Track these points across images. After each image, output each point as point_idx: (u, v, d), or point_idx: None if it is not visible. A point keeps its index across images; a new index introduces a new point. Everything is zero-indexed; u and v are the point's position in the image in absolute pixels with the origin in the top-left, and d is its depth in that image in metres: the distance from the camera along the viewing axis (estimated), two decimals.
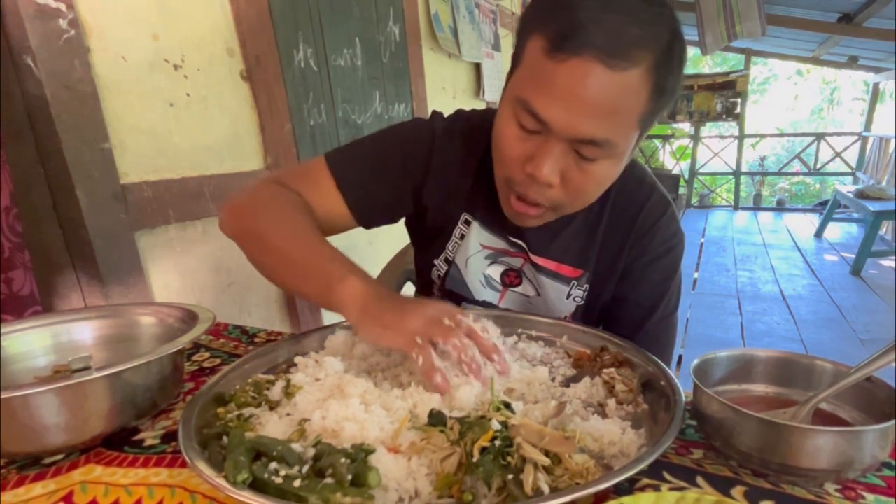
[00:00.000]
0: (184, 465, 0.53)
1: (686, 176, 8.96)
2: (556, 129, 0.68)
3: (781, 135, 12.84)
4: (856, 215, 6.88)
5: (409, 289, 1.34)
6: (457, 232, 0.94)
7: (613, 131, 0.68)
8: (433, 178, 0.90)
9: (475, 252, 0.93)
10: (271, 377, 0.64)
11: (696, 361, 0.56)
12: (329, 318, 1.74)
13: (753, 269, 5.61)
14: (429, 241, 0.97)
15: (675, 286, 0.92)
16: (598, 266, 0.91)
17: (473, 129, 0.89)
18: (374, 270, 1.21)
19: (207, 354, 0.84)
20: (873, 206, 5.24)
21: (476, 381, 0.60)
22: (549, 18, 0.67)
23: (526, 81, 0.70)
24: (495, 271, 0.94)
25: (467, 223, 0.93)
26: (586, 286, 0.91)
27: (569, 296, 0.90)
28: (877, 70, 7.59)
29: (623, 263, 0.90)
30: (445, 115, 0.93)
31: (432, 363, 0.59)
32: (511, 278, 0.94)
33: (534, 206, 0.77)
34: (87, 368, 0.62)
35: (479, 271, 0.93)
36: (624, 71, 0.64)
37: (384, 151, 0.90)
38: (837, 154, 8.78)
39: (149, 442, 0.60)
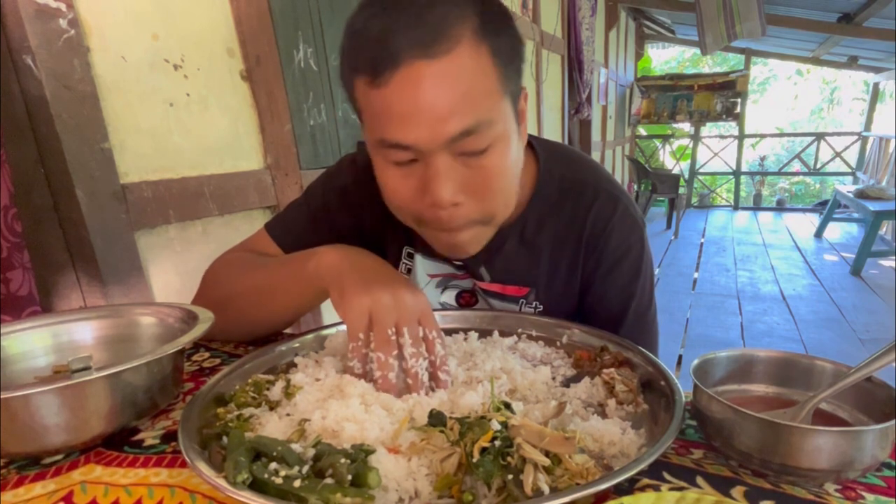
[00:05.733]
0: (184, 465, 0.53)
1: (686, 176, 8.97)
2: (425, 146, 0.63)
3: (781, 135, 12.87)
4: (856, 215, 6.89)
5: None
6: (402, 268, 0.92)
7: (479, 111, 0.63)
8: (369, 212, 0.88)
9: (425, 284, 0.92)
10: (271, 377, 0.64)
11: (696, 361, 0.56)
12: (329, 317, 1.74)
13: (753, 269, 5.62)
14: None
15: (644, 283, 0.87)
16: (551, 283, 0.86)
17: None
18: None
19: (207, 354, 0.84)
20: (873, 206, 5.25)
21: (413, 391, 0.59)
22: (354, 57, 0.64)
23: (374, 124, 0.66)
24: (450, 296, 0.93)
25: (410, 256, 0.92)
26: (536, 303, 0.87)
27: (520, 311, 0.88)
28: (877, 70, 7.60)
29: (581, 278, 0.86)
30: None
31: (364, 359, 0.61)
32: (466, 299, 0.93)
33: (458, 230, 0.71)
34: (87, 368, 0.62)
35: (434, 301, 0.92)
36: (449, 52, 0.60)
37: (316, 201, 0.92)
38: (837, 154, 8.79)
39: (149, 442, 0.60)
